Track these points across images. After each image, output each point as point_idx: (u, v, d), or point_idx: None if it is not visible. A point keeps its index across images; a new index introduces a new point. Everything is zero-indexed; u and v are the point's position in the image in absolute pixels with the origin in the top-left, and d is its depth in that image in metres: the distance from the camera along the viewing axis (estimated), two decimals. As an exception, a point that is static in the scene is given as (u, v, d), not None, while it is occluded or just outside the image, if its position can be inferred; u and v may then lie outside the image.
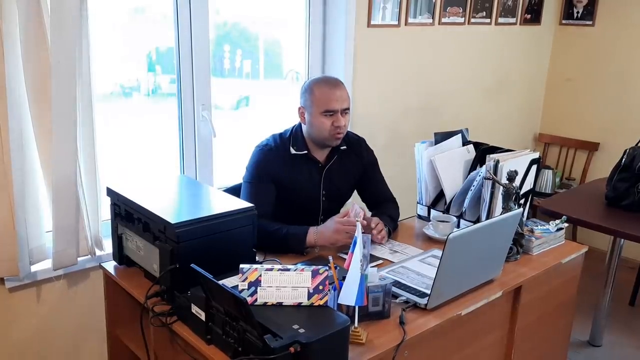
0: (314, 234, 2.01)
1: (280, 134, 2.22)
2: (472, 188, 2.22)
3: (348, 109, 2.13)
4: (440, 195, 2.38)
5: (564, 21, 4.25)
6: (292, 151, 2.17)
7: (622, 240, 2.90)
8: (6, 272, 2.08)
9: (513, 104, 4.20)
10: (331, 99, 2.08)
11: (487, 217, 2.18)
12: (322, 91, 2.10)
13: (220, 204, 1.76)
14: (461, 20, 3.55)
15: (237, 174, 2.28)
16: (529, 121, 4.41)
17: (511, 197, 2.01)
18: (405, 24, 3.24)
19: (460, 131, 2.45)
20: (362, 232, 1.52)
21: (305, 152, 2.18)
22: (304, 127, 2.19)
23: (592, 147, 4.18)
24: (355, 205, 2.02)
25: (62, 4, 1.96)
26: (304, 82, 2.21)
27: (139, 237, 1.76)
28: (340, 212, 2.05)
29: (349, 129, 2.24)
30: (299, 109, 2.17)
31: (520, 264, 2.04)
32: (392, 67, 3.29)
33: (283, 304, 1.45)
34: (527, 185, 2.27)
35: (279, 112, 3.01)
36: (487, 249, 1.80)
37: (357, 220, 1.60)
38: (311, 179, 2.20)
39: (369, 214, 2.22)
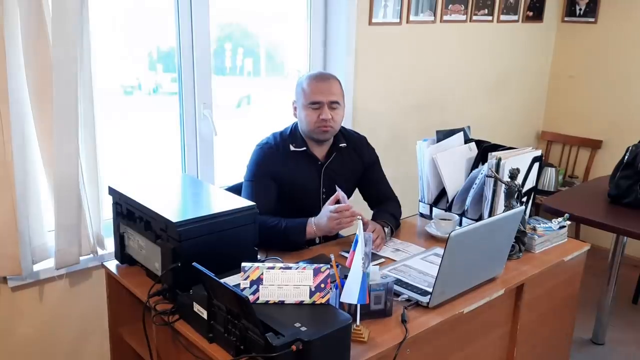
0: (313, 225, 2.03)
1: (281, 132, 2.23)
2: (474, 186, 2.22)
3: (337, 102, 2.13)
4: (442, 193, 2.38)
5: (566, 18, 4.23)
6: (292, 148, 2.17)
7: (625, 238, 2.90)
8: (9, 271, 2.08)
9: (515, 101, 4.19)
10: (316, 91, 2.10)
11: (489, 215, 2.17)
12: (310, 84, 2.12)
13: (222, 203, 1.76)
14: (463, 17, 3.54)
15: (239, 173, 2.28)
16: (531, 119, 4.40)
17: (513, 195, 2.01)
18: (407, 22, 3.23)
19: (462, 129, 2.44)
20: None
21: (304, 149, 2.18)
22: (299, 123, 2.19)
23: (594, 145, 4.17)
24: (339, 191, 2.00)
25: (63, 3, 1.96)
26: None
27: (141, 235, 1.76)
28: (330, 199, 2.03)
29: (350, 127, 2.24)
30: (292, 103, 2.20)
31: (522, 262, 2.04)
32: (393, 65, 3.29)
33: (285, 302, 1.45)
34: (530, 183, 2.27)
35: (280, 110, 3.00)
36: (489, 247, 1.79)
37: (359, 218, 1.60)
38: (311, 176, 2.20)
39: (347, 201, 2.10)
